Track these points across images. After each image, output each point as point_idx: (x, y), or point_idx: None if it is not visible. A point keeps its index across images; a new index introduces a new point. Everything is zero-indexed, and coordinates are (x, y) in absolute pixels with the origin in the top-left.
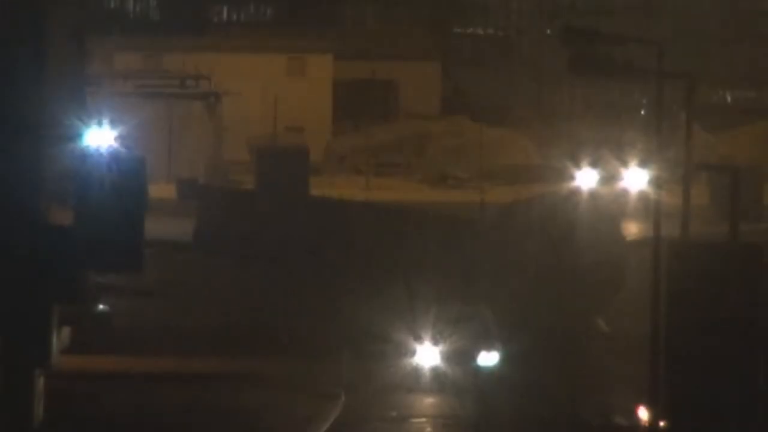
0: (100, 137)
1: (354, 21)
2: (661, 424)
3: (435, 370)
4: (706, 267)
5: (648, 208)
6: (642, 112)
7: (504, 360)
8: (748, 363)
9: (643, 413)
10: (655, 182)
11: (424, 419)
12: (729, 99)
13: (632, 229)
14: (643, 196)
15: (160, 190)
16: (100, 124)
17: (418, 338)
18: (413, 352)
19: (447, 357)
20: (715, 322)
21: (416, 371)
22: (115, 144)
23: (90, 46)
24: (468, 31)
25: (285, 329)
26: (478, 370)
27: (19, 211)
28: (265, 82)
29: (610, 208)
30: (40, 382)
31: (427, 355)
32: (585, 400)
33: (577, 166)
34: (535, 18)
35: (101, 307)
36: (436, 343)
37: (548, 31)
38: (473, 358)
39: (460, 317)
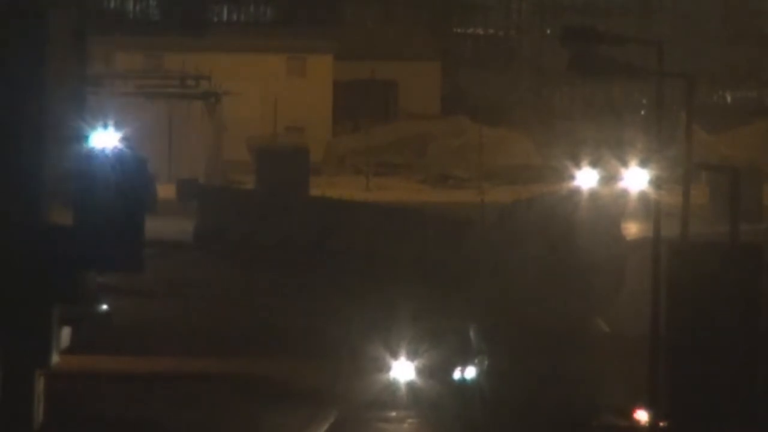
0: (105, 138)
1: (354, 21)
2: (661, 424)
3: (410, 385)
4: (706, 267)
5: (648, 208)
6: (642, 112)
7: (484, 374)
8: (749, 363)
9: (642, 414)
10: (655, 182)
11: (422, 418)
12: (729, 99)
13: (632, 229)
14: (643, 196)
15: (160, 190)
16: (105, 125)
17: (394, 353)
18: (389, 368)
19: (422, 372)
20: (715, 322)
21: (392, 386)
22: (119, 145)
23: (90, 46)
24: (468, 31)
25: (280, 330)
26: (455, 385)
27: (19, 211)
28: (265, 82)
29: (610, 208)
30: (40, 382)
31: (403, 370)
32: (584, 400)
33: (577, 166)
34: (535, 18)
35: (101, 307)
36: (411, 358)
37: (548, 31)
38: (449, 373)
39: (438, 331)
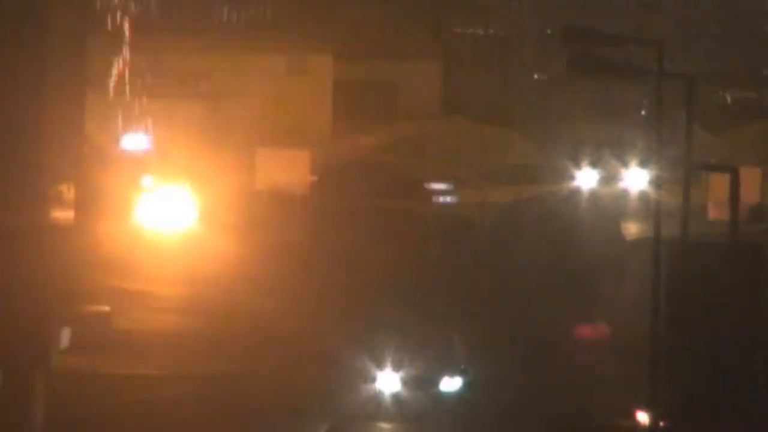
0: (135, 141)
1: (354, 21)
2: (661, 424)
3: (396, 397)
4: (706, 267)
5: (648, 208)
6: (642, 112)
7: (471, 384)
8: (749, 363)
9: (642, 415)
10: (655, 182)
11: (419, 420)
12: (729, 99)
13: (632, 229)
14: (643, 196)
15: None
16: (135, 129)
17: (380, 364)
18: (374, 378)
19: (408, 383)
20: (716, 322)
21: (377, 398)
22: (150, 147)
23: (90, 46)
24: (468, 31)
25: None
26: (441, 396)
27: (19, 211)
28: (265, 82)
29: (610, 208)
30: (40, 383)
31: (388, 381)
32: (584, 401)
33: (577, 166)
34: (535, 18)
35: (101, 307)
36: (397, 368)
37: (548, 31)
38: (435, 383)
39: (423, 341)
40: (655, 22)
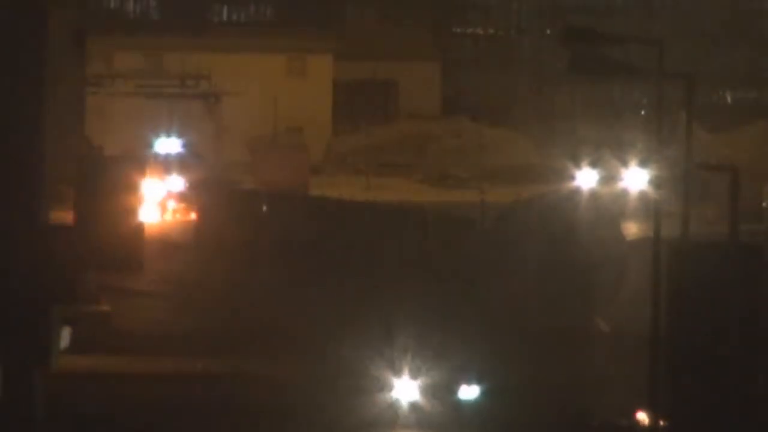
0: (168, 145)
1: (354, 21)
2: (661, 424)
3: (413, 405)
4: (706, 267)
5: (648, 208)
6: (642, 112)
7: (487, 392)
8: (748, 363)
9: (642, 415)
10: (655, 182)
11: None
12: (729, 99)
13: (632, 229)
14: (643, 196)
15: None
16: (168, 134)
17: (397, 372)
18: (391, 387)
19: (426, 391)
20: (715, 322)
21: (394, 406)
22: (182, 151)
23: (90, 46)
24: (468, 31)
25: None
26: (460, 404)
27: (18, 211)
28: (265, 82)
29: (610, 208)
30: (40, 382)
31: (406, 389)
32: (584, 401)
33: (577, 166)
34: (535, 18)
35: (101, 307)
36: (414, 376)
37: (548, 31)
38: (454, 391)
39: (440, 348)
40: (655, 22)
